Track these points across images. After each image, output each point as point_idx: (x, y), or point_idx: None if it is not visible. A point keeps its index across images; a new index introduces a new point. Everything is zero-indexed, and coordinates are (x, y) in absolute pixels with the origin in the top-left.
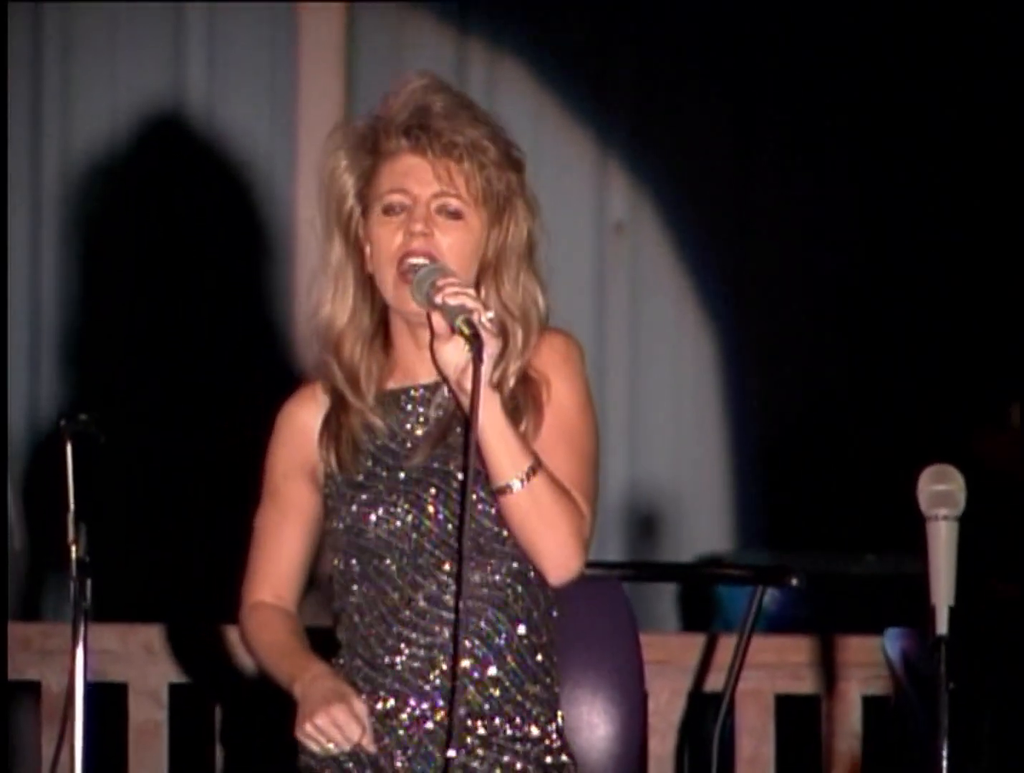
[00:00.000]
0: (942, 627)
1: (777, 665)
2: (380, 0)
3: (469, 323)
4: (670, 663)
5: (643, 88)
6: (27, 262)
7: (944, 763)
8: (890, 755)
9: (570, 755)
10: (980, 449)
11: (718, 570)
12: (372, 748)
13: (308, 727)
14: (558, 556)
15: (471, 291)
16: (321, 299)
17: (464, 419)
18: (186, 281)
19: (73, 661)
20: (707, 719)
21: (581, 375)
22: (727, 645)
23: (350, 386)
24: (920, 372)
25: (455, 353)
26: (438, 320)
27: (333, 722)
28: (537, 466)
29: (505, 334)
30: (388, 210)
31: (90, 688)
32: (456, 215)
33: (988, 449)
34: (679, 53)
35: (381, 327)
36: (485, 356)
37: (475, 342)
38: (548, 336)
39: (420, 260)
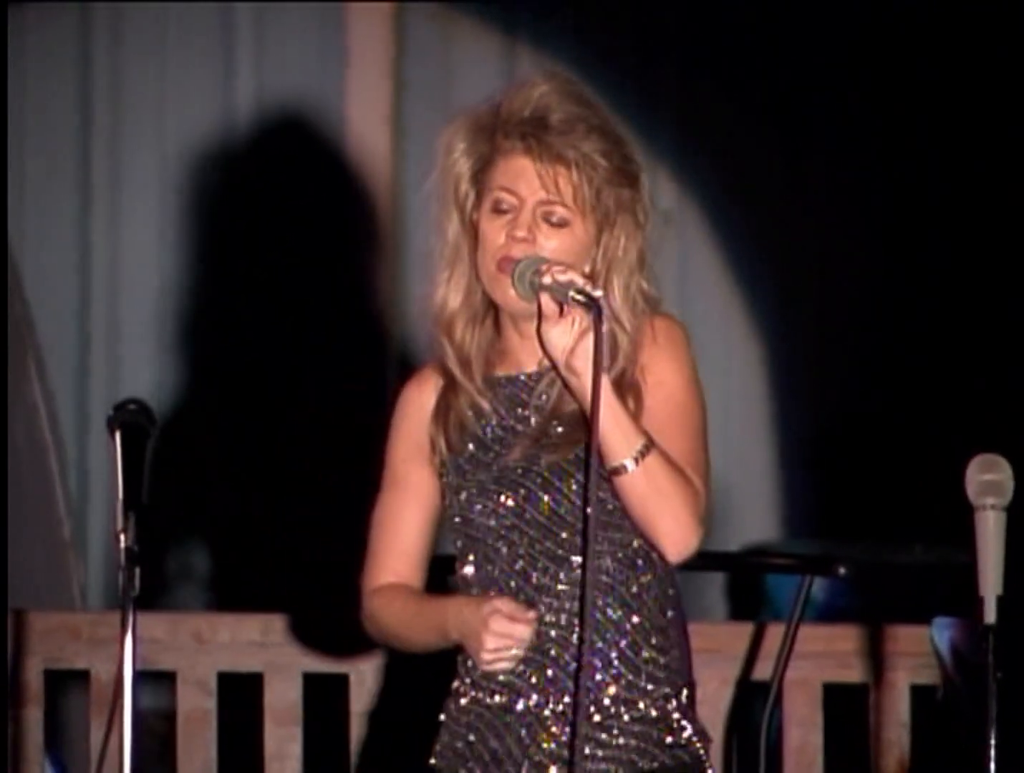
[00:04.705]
0: (990, 616)
1: (825, 654)
2: (428, 0)
3: (583, 292)
4: (718, 652)
5: (689, 90)
6: (77, 255)
7: (992, 752)
8: (938, 744)
9: (698, 730)
10: None
11: (766, 559)
12: (532, 625)
13: (486, 657)
14: (675, 533)
15: (577, 270)
16: (437, 279)
17: (566, 408)
18: (232, 275)
19: (122, 650)
20: (755, 708)
21: (685, 355)
22: (775, 634)
23: (460, 366)
24: (968, 361)
25: (563, 335)
26: (546, 301)
27: (499, 637)
28: (650, 444)
29: (614, 346)
30: (496, 206)
31: (139, 677)
32: (561, 224)
33: None
34: (725, 54)
35: (491, 309)
36: (593, 336)
37: (594, 306)
38: (653, 321)
39: None
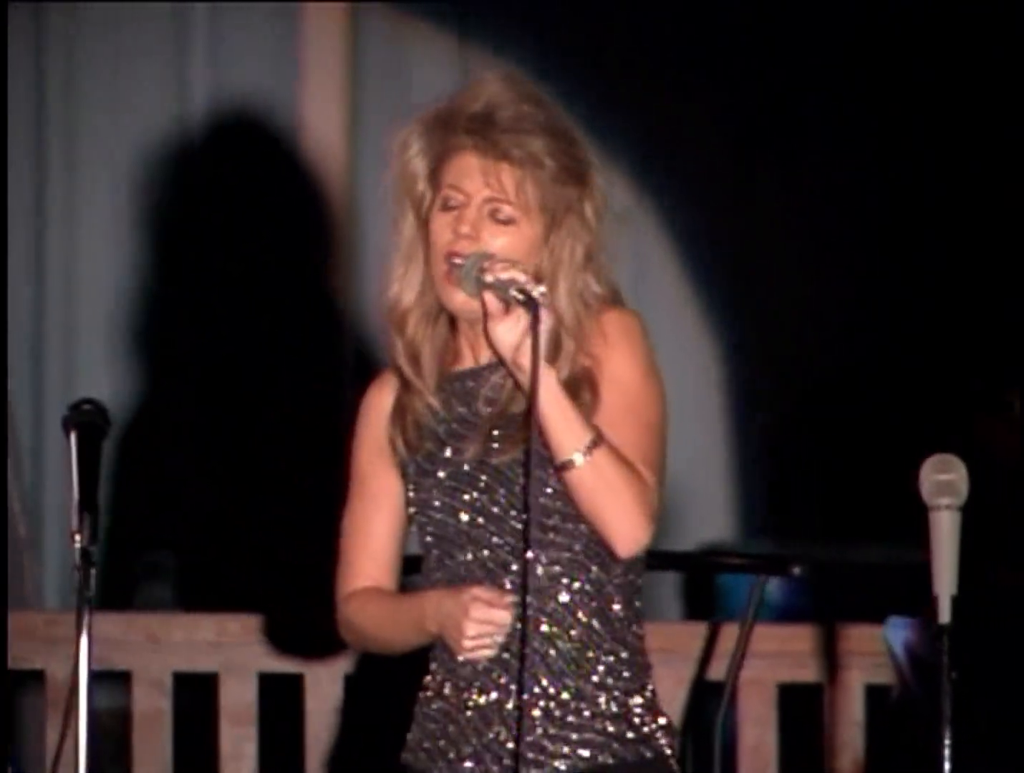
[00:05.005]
0: (945, 616)
1: (780, 654)
2: (383, 0)
3: (523, 291)
4: (673, 651)
5: (646, 90)
6: (31, 255)
7: (947, 752)
8: (892, 744)
9: (662, 726)
10: (981, 437)
11: (720, 559)
12: (511, 610)
13: (467, 644)
14: (624, 529)
15: (520, 266)
16: (391, 276)
17: (518, 407)
18: (187, 276)
19: (77, 649)
20: (710, 708)
21: (640, 347)
22: (730, 634)
23: (411, 364)
24: (922, 361)
25: (509, 332)
26: (490, 299)
27: (479, 624)
28: (599, 439)
29: (558, 343)
30: (445, 204)
31: (94, 676)
32: (508, 221)
33: (988, 437)
34: (681, 55)
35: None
36: (542, 327)
37: (532, 305)
38: (603, 315)
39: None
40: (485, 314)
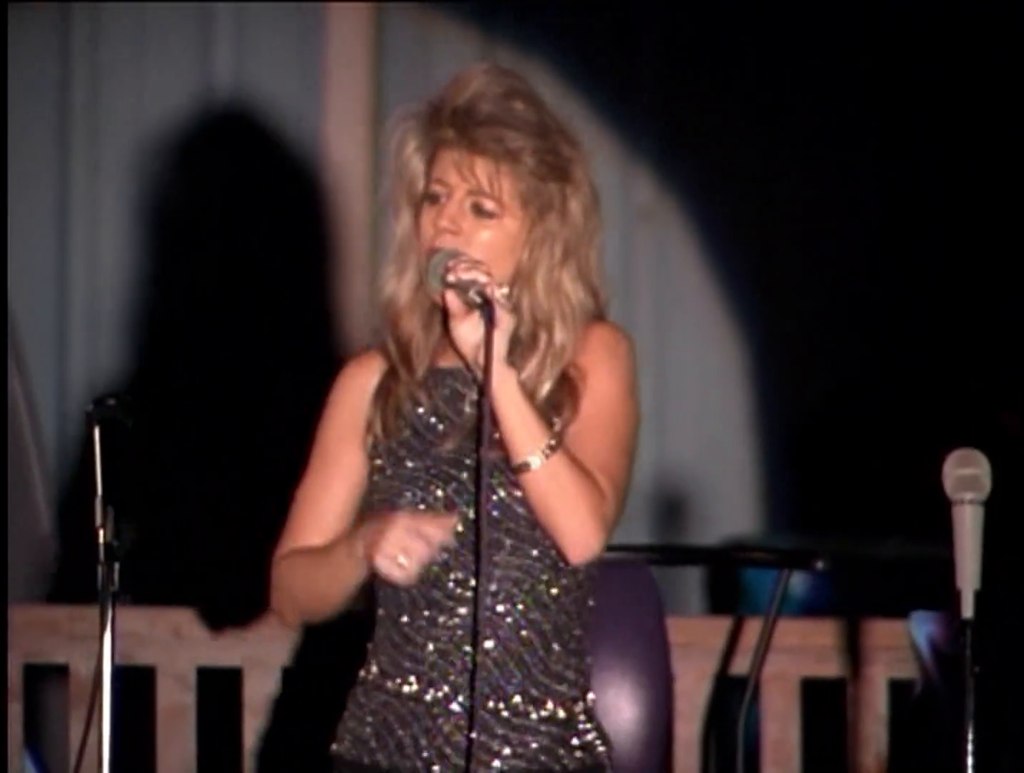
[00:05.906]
0: (968, 611)
1: (803, 649)
2: (407, 0)
3: (480, 294)
4: (696, 646)
5: (669, 87)
6: (54, 250)
7: (970, 747)
8: (916, 738)
9: (603, 735)
10: (1010, 433)
11: (744, 553)
12: (448, 533)
13: (386, 549)
14: (576, 535)
15: (484, 267)
16: (384, 273)
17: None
18: (209, 273)
19: (101, 645)
20: (733, 702)
21: (624, 366)
22: (753, 628)
23: (402, 362)
24: (947, 355)
25: (471, 331)
26: (452, 298)
27: (404, 532)
28: (557, 445)
29: (535, 339)
30: (430, 198)
31: (118, 672)
32: (490, 214)
33: (1017, 433)
34: (705, 51)
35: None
36: (499, 330)
37: (486, 308)
38: (594, 329)
39: None
40: (446, 313)
